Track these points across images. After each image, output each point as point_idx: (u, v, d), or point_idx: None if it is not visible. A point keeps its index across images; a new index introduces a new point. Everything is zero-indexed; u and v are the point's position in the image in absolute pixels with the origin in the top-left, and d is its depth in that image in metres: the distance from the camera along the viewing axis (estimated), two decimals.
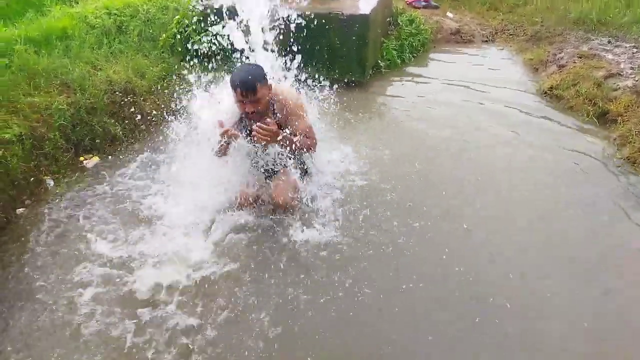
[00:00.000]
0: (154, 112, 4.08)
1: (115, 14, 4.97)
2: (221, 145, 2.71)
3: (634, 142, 3.55)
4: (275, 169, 2.98)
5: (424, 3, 6.66)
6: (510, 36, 6.10)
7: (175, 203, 3.08)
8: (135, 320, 2.35)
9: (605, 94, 4.21)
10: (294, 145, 2.73)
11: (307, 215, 3.00)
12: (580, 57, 4.99)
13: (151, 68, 4.44)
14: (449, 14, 6.53)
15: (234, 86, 2.59)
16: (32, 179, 3.27)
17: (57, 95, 3.60)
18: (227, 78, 2.68)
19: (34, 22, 4.78)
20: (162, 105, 4.20)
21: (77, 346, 2.24)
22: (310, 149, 2.90)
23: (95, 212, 3.10)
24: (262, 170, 3.00)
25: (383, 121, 4.30)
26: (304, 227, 2.90)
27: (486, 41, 6.12)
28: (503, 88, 4.81)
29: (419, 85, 4.98)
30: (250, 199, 2.95)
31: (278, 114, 2.80)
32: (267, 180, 3.04)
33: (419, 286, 2.52)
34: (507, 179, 3.40)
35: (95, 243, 2.84)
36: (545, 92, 4.63)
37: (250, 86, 2.56)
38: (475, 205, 3.12)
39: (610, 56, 5.02)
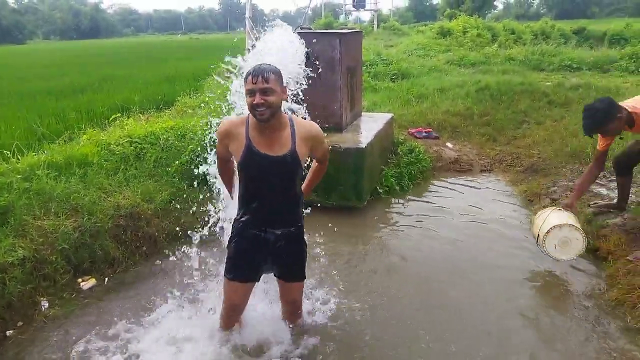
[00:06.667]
0: (157, 235, 4.31)
1: (137, 142, 5.46)
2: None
3: (621, 283, 3.52)
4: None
5: (425, 133, 7.09)
6: (508, 167, 6.34)
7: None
8: None
9: (596, 231, 4.26)
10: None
11: None
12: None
13: (160, 192, 4.74)
14: (449, 144, 6.91)
15: (246, 75, 2.42)
16: (28, 300, 3.42)
17: (65, 219, 3.88)
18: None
19: (61, 147, 5.29)
20: (165, 230, 4.44)
21: None
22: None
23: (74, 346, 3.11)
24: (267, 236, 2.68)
25: (370, 251, 4.38)
26: None
27: (484, 171, 6.37)
28: (497, 219, 4.91)
29: (413, 213, 5.14)
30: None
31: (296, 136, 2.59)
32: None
33: None
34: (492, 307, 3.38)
35: None
36: None
37: (261, 72, 2.37)
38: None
39: (604, 191, 5.13)
